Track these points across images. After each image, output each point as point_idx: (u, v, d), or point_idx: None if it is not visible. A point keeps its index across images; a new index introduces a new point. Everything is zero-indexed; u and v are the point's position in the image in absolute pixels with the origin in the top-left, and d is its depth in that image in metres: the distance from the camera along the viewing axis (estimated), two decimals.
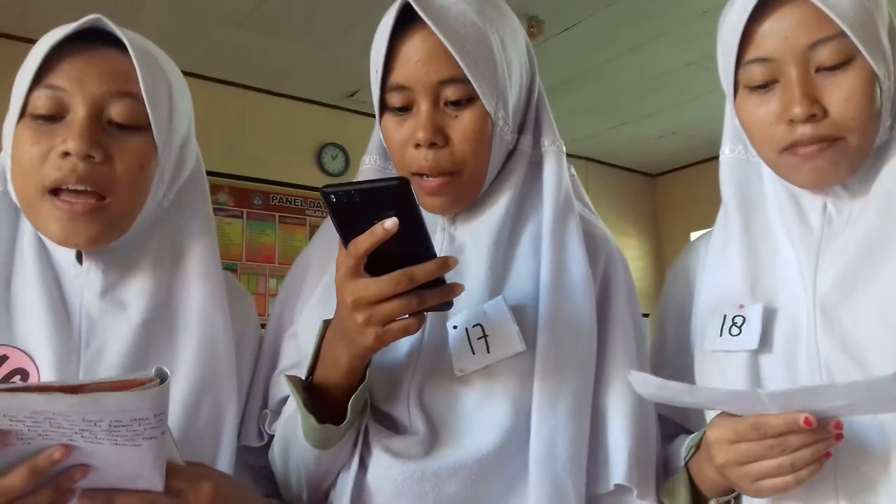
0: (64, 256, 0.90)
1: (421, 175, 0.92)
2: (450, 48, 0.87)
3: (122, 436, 0.64)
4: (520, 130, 1.00)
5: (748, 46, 0.87)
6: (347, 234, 0.76)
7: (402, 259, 0.76)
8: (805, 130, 0.84)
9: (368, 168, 1.04)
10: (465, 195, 0.95)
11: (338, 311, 0.82)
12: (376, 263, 0.76)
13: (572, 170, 1.04)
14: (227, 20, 3.53)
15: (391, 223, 0.73)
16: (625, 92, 4.43)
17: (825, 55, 0.83)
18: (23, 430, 0.64)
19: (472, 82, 0.89)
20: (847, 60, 0.83)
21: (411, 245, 0.76)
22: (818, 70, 0.84)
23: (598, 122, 4.92)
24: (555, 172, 0.97)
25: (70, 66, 0.85)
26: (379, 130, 1.00)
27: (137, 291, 0.91)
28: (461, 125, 0.91)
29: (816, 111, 0.83)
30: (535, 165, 1.00)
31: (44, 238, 0.90)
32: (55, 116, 0.84)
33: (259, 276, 4.20)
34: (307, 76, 4.16)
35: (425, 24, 0.88)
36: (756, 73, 0.87)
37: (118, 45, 0.87)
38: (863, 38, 0.82)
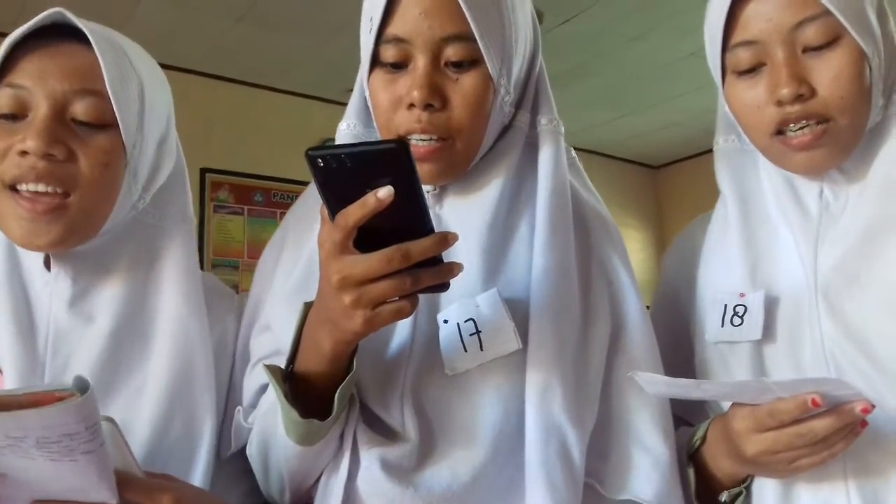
0: (33, 262, 0.87)
1: (409, 139, 0.83)
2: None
3: (55, 451, 0.60)
4: (517, 105, 0.92)
5: (734, 30, 0.86)
6: (335, 204, 0.66)
7: (396, 234, 0.66)
8: (793, 109, 0.83)
9: (346, 134, 0.93)
10: (456, 165, 0.87)
11: (321, 291, 0.73)
12: (366, 238, 0.67)
13: (572, 152, 0.98)
14: (226, 15, 3.52)
15: (386, 192, 0.63)
16: (626, 83, 4.41)
17: (811, 34, 0.82)
18: None
19: (479, 41, 0.82)
20: (833, 39, 0.82)
21: (407, 218, 0.66)
22: (805, 50, 0.83)
23: (600, 113, 4.90)
24: (550, 158, 0.90)
25: (31, 63, 0.82)
26: (360, 92, 0.92)
27: (108, 299, 0.87)
28: (461, 89, 0.83)
29: (804, 91, 0.82)
30: (532, 146, 0.92)
31: (14, 244, 0.86)
32: (17, 115, 0.81)
33: None
34: (307, 72, 4.14)
35: None
36: (742, 56, 0.86)
37: (86, 40, 0.83)
38: (849, 15, 0.81)
